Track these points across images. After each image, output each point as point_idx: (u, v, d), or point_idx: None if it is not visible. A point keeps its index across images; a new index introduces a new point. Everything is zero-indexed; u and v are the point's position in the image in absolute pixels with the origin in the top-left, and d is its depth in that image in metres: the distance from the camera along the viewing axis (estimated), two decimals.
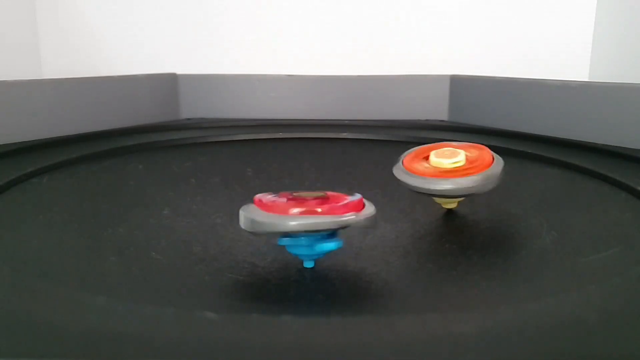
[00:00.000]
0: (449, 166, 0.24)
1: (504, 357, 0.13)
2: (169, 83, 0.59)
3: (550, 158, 0.40)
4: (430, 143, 0.27)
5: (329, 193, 0.21)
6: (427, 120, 0.58)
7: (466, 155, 0.25)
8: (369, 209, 0.20)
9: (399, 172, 0.25)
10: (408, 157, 0.26)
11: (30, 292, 0.17)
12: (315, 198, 0.20)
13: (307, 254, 0.20)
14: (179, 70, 0.61)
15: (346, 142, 0.48)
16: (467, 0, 0.62)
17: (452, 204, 0.27)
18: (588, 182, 0.35)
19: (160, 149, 0.45)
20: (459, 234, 0.25)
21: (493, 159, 0.25)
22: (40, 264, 0.21)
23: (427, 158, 0.25)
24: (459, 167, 0.24)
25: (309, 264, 0.21)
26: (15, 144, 0.42)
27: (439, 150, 0.25)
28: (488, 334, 0.14)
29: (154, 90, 0.57)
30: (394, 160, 0.26)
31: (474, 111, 0.55)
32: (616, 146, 0.42)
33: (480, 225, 0.26)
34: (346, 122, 0.57)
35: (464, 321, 0.15)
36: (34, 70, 0.63)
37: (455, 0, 0.62)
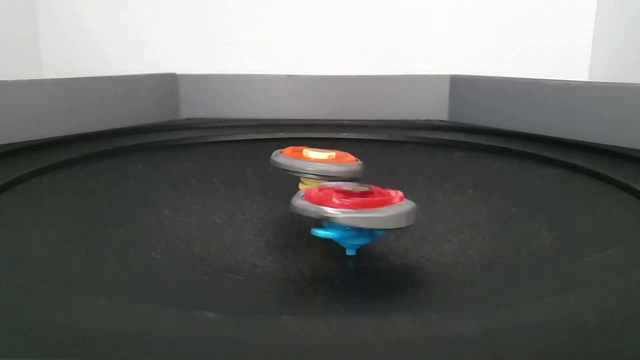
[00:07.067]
0: (321, 157, 0.29)
1: (504, 357, 0.13)
2: (169, 83, 0.59)
3: (550, 158, 0.40)
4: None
5: (374, 188, 0.22)
6: (427, 120, 0.58)
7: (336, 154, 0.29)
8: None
9: (277, 156, 0.29)
10: (285, 150, 0.30)
11: (30, 292, 0.17)
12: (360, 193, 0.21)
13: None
14: (179, 70, 0.61)
15: (346, 142, 0.48)
16: (468, 1, 0.62)
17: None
18: (588, 182, 0.35)
19: (160, 149, 0.45)
20: (458, 234, 0.25)
21: (356, 160, 0.30)
22: (40, 264, 0.21)
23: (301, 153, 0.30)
24: (330, 158, 0.29)
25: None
26: (15, 144, 0.42)
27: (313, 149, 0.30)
28: (488, 334, 0.14)
29: (154, 90, 0.56)
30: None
31: (474, 111, 0.55)
32: (616, 146, 0.42)
33: (480, 226, 0.26)
34: (346, 122, 0.57)
35: (464, 321, 0.15)
36: (34, 70, 0.63)
37: (455, 1, 0.62)
